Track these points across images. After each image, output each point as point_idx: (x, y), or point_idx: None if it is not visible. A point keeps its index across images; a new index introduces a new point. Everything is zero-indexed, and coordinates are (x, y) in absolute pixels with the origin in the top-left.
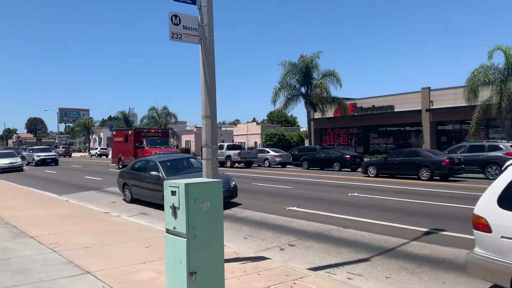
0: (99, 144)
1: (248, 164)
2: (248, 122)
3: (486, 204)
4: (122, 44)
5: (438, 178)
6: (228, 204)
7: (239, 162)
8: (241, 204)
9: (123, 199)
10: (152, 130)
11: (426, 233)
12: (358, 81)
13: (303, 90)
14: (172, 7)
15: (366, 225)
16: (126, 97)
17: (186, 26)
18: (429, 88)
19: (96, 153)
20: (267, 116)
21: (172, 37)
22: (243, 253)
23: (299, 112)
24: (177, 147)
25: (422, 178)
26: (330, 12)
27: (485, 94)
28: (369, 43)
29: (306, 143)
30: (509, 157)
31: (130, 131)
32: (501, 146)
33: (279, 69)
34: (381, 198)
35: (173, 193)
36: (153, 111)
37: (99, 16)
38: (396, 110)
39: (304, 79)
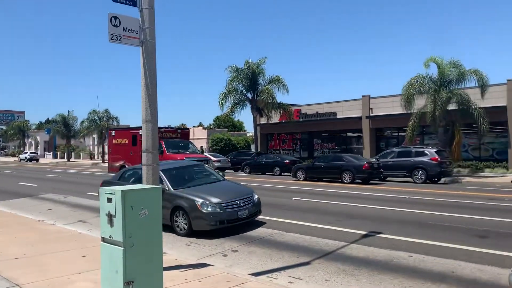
0: (36, 148)
1: None
2: (194, 126)
3: None
4: (61, 43)
5: (359, 181)
6: (253, 224)
7: None
8: None
9: None
10: (171, 131)
11: (364, 236)
12: (303, 88)
13: (249, 95)
14: (113, 8)
15: (308, 228)
16: (66, 99)
17: (127, 28)
18: (369, 96)
19: (26, 157)
20: (214, 120)
21: (111, 38)
22: (185, 261)
23: (245, 117)
24: (203, 152)
25: (345, 181)
26: (276, 19)
27: (420, 102)
28: (314, 51)
29: (253, 148)
30: (434, 162)
31: (140, 131)
32: (426, 152)
33: (226, 73)
34: (323, 202)
35: (109, 200)
36: (94, 114)
37: (33, 12)
38: (338, 116)
39: (251, 85)
